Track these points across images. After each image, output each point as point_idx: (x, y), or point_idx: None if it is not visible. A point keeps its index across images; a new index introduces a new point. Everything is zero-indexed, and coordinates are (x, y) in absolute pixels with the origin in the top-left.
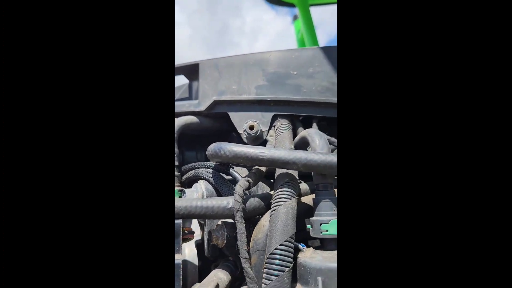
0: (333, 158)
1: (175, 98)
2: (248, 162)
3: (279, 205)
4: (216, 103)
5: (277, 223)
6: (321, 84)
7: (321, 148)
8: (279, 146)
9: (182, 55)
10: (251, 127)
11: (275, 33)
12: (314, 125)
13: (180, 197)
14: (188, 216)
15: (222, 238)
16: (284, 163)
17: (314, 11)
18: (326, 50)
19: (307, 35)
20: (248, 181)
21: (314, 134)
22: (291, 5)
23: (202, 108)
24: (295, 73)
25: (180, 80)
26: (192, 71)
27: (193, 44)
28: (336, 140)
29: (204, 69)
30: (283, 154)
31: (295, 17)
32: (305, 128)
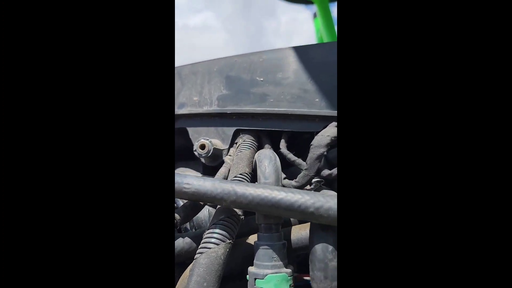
0: (275, 193)
1: None
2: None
3: (200, 254)
4: (175, 118)
5: (191, 279)
6: (291, 92)
7: (266, 177)
8: (233, 170)
9: None
10: (202, 147)
11: (311, 32)
12: (282, 141)
13: None
14: None
15: None
16: (211, 198)
17: (335, 8)
18: (298, 50)
19: (327, 34)
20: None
21: (263, 158)
22: (310, 2)
23: None
24: (261, 79)
25: None
26: None
27: (228, 49)
28: (303, 163)
29: None
30: (210, 187)
31: (315, 15)
32: (273, 145)
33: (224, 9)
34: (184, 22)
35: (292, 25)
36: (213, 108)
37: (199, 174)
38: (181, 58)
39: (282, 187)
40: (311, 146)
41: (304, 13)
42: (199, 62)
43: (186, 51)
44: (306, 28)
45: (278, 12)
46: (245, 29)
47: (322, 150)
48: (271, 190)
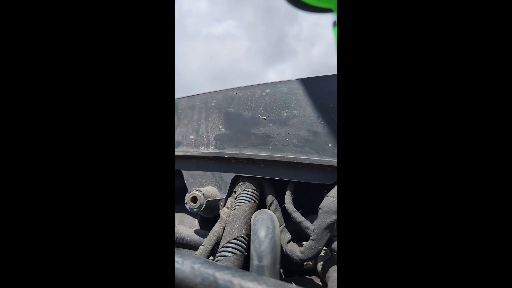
0: None
1: None
2: None
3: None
4: None
5: None
6: (298, 134)
7: (259, 258)
8: (227, 232)
9: (241, 69)
10: (194, 200)
11: (332, 37)
12: (288, 194)
13: None
14: None
15: None
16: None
17: None
18: (308, 82)
19: None
20: None
21: (259, 228)
22: (330, 10)
23: None
24: (264, 118)
25: None
26: None
27: (251, 56)
28: (311, 227)
29: None
30: (189, 273)
31: (334, 24)
32: (277, 194)
33: (246, 17)
34: (208, 31)
35: (314, 29)
36: (210, 149)
37: (194, 226)
38: (202, 67)
39: (276, 282)
40: (320, 211)
41: (326, 18)
42: (197, 94)
43: (209, 59)
44: (328, 33)
45: (299, 17)
46: (267, 35)
47: (333, 218)
48: (262, 286)
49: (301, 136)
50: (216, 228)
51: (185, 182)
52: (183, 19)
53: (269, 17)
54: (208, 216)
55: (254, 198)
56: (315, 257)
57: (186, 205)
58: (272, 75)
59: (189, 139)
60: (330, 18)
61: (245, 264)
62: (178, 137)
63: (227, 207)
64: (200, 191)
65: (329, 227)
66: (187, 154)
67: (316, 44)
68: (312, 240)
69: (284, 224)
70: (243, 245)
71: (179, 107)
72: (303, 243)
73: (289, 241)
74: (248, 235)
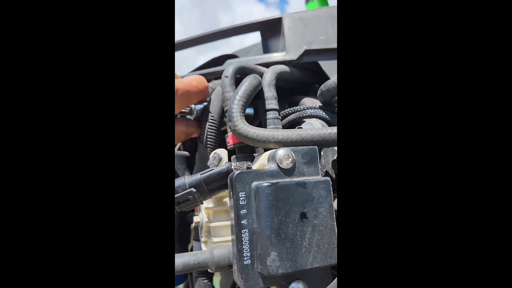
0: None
1: (257, 56)
2: None
3: None
4: (306, 53)
5: None
6: None
7: None
8: None
9: None
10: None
11: None
12: None
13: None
14: (322, 143)
15: None
16: None
17: None
18: None
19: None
20: None
21: None
22: None
23: (294, 57)
24: None
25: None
26: (271, 26)
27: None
28: None
29: (288, 22)
30: None
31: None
32: None
33: (178, 0)
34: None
35: (247, 18)
36: None
37: None
38: None
39: None
40: None
41: (259, 7)
42: (318, 9)
43: None
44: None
45: (233, 4)
46: (200, 21)
47: None
48: None
49: None
50: None
51: (323, 69)
52: None
53: (202, 2)
54: None
55: None
56: None
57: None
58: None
59: (319, 40)
60: (263, 6)
61: None
62: (309, 38)
63: None
64: None
65: None
66: (325, 47)
67: (249, 34)
68: None
69: None
70: None
71: (304, 17)
72: None
73: None
74: None
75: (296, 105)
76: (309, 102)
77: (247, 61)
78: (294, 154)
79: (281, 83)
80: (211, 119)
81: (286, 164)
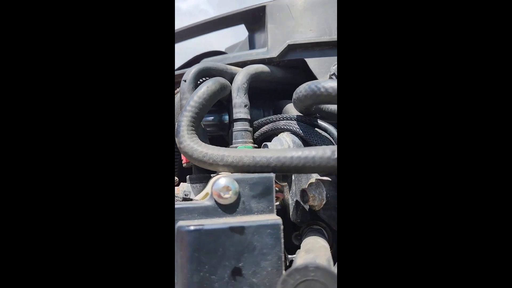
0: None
1: (234, 54)
2: None
3: None
4: (289, 48)
5: None
6: None
7: None
8: None
9: (212, 47)
10: None
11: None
12: None
13: None
14: (281, 169)
15: (320, 198)
16: None
17: None
18: None
19: None
20: None
21: None
22: None
23: (274, 54)
24: None
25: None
26: (255, 17)
27: (222, 33)
28: None
29: (272, 12)
30: None
31: None
32: None
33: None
34: (177, 6)
35: None
36: (335, 37)
37: None
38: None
39: None
40: None
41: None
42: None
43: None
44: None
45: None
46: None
47: None
48: None
49: None
50: None
51: (310, 68)
52: None
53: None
54: None
55: None
56: None
57: (333, 76)
58: None
59: (308, 33)
60: None
61: None
62: (295, 32)
63: None
64: None
65: None
66: (312, 41)
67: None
68: None
69: None
70: None
71: (291, 5)
72: None
73: None
74: None
75: (281, 112)
76: (294, 109)
77: (220, 61)
78: (239, 185)
79: (262, 84)
80: None
81: (226, 198)
